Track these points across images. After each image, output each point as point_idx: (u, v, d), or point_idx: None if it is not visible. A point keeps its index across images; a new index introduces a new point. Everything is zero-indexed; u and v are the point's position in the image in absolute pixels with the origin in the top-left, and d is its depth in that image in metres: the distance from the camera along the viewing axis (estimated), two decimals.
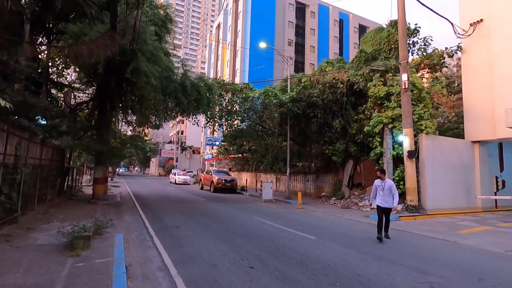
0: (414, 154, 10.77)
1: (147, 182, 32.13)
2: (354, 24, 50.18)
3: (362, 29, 50.22)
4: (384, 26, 16.46)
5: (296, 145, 18.23)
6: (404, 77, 11.05)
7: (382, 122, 11.97)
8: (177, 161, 53.48)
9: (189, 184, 29.85)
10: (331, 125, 15.03)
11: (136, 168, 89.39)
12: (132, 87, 10.01)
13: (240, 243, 6.00)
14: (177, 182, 29.66)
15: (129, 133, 21.02)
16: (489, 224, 9.27)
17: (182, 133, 67.78)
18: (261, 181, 17.79)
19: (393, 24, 15.38)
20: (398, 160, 11.75)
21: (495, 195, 12.68)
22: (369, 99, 13.18)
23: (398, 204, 6.96)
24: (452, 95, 16.09)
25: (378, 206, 6.73)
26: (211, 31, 63.63)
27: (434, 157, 11.10)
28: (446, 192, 11.29)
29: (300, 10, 45.28)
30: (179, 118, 25.63)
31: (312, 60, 43.07)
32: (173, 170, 35.72)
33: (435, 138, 11.48)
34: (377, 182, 6.86)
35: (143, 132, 17.63)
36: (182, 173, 32.06)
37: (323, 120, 15.28)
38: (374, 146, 12.47)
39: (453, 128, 15.22)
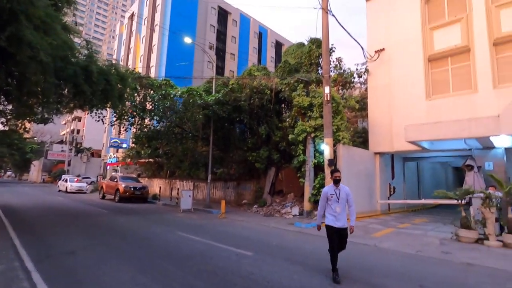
0: (334, 162, 11.46)
1: (25, 191, 25.53)
2: (271, 39, 53.29)
3: (278, 45, 53.81)
4: (305, 42, 17.56)
5: (218, 150, 17.43)
6: (327, 89, 11.71)
7: (306, 131, 12.40)
8: (69, 165, 44.94)
9: (85, 192, 25.12)
10: (256, 131, 14.87)
11: (8, 173, 71.52)
12: (8, 62, 7.33)
13: (167, 269, 4.75)
14: (69, 190, 24.61)
15: None
16: (391, 226, 10.49)
17: (78, 132, 57.90)
18: (178, 189, 16.17)
19: (314, 41, 16.54)
20: (318, 168, 12.33)
21: (388, 199, 14.77)
22: (294, 108, 13.58)
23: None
24: (364, 111, 18.49)
25: (328, 226, 4.48)
26: (121, 20, 57.03)
27: (348, 165, 12.07)
28: (356, 198, 12.34)
29: (222, 16, 45.25)
30: (76, 113, 21.32)
31: (232, 67, 43.39)
32: (63, 176, 29.59)
33: (349, 148, 12.56)
34: (327, 190, 4.57)
35: (22, 127, 13.52)
36: (76, 180, 26.84)
37: (248, 126, 14.99)
38: (297, 154, 12.80)
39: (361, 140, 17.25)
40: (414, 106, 12.73)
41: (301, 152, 12.64)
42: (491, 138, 9.54)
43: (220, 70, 41.39)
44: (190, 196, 14.03)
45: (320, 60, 16.17)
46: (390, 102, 13.66)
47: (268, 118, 14.63)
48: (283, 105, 15.93)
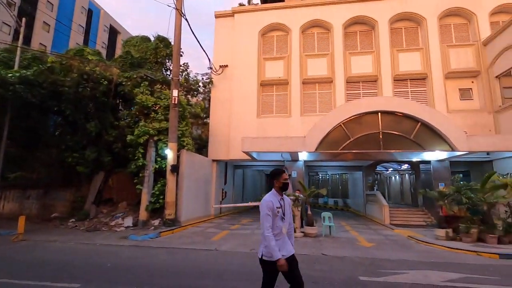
0: (177, 168, 11.15)
1: None
2: (104, 22, 46.03)
3: (113, 32, 47.24)
4: (152, 37, 16.38)
5: (18, 146, 12.71)
6: (175, 92, 11.36)
7: (148, 133, 11.38)
8: None
9: None
10: (82, 128, 12.08)
11: None
12: None
13: None
14: None
15: None
16: (226, 228, 11.40)
17: None
18: None
19: (162, 39, 15.73)
20: (159, 174, 11.58)
21: (221, 203, 16.07)
22: (135, 106, 12.19)
23: None
24: (199, 119, 19.11)
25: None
26: None
27: (190, 172, 12.12)
28: (194, 204, 12.65)
29: None
30: None
31: (45, 41, 33.75)
32: None
33: (192, 154, 12.65)
34: (272, 200, 2.87)
35: None
36: None
37: (71, 119, 11.93)
38: (135, 158, 11.47)
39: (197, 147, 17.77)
40: (248, 121, 14.68)
41: (140, 155, 11.44)
42: (299, 153, 12.49)
43: (25, 40, 30.97)
44: None
45: (167, 61, 15.59)
46: (229, 115, 15.07)
47: (101, 113, 12.28)
48: (121, 101, 13.95)
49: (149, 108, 11.96)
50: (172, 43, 16.41)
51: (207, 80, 17.29)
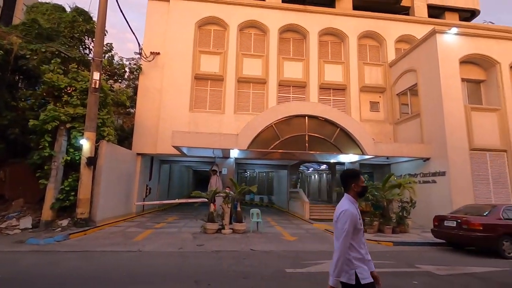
0: (94, 161, 9.87)
1: None
2: None
3: None
4: (68, 8, 14.09)
5: None
6: (96, 75, 10.03)
7: (59, 118, 9.72)
8: None
9: None
10: None
11: None
12: None
13: None
14: None
15: None
16: (149, 227, 10.64)
17: None
18: None
19: (81, 12, 13.69)
20: (70, 167, 10.03)
21: (144, 200, 14.93)
22: (43, 86, 10.27)
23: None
24: (122, 107, 17.22)
25: (369, 284, 2.17)
26: None
27: (110, 166, 10.88)
28: (114, 201, 11.43)
29: None
30: None
31: None
32: None
33: (114, 146, 11.37)
34: (352, 209, 2.31)
35: None
36: None
37: None
38: (40, 147, 9.66)
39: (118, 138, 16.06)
40: (180, 115, 14.01)
41: (47, 144, 9.67)
42: (230, 150, 12.54)
43: None
44: None
45: (87, 38, 13.64)
46: (159, 106, 14.10)
47: None
48: (21, 78, 11.56)
49: (61, 90, 10.23)
50: (94, 19, 14.49)
51: (135, 66, 15.82)
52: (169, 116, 13.90)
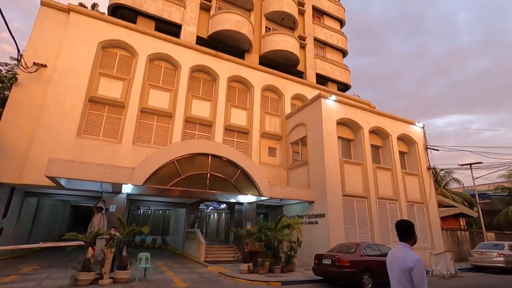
0: None
1: None
2: None
3: None
4: None
5: None
6: None
7: None
8: None
9: None
10: None
11: None
12: None
13: None
14: None
15: None
16: None
17: None
18: None
19: None
20: None
21: None
22: None
23: None
24: None
25: None
26: None
27: None
28: None
29: None
30: None
31: None
32: None
33: None
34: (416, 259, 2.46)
35: None
36: None
37: None
38: None
39: None
40: (63, 139, 11.95)
41: None
42: (123, 185, 11.24)
43: None
44: None
45: None
46: (35, 127, 11.70)
47: None
48: None
49: None
50: None
51: (8, 74, 13.00)
52: (49, 140, 11.65)
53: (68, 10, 13.75)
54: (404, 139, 18.07)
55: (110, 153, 12.69)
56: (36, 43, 12.74)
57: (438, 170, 27.00)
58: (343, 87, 23.74)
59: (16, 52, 11.19)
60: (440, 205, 19.08)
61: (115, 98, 13.62)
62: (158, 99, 14.66)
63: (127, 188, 11.98)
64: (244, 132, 16.87)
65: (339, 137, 15.39)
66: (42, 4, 13.44)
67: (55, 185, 10.90)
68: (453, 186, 29.90)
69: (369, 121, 16.56)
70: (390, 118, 17.60)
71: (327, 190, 13.50)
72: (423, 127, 18.89)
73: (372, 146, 16.49)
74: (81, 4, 16.23)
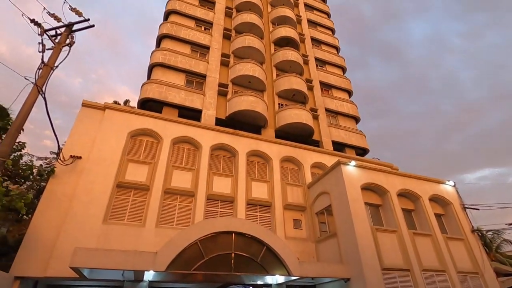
0: None
1: None
2: None
3: None
4: None
5: None
6: None
7: None
8: None
9: None
10: None
11: None
12: None
13: None
14: None
15: None
16: None
17: None
18: None
19: None
20: None
21: None
22: None
23: None
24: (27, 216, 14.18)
25: None
26: None
27: None
28: None
29: None
30: None
31: None
32: None
33: None
34: None
35: None
36: None
37: None
38: None
39: None
40: (90, 227, 12.16)
41: None
42: (145, 272, 10.78)
43: None
44: None
45: None
46: (65, 216, 12.12)
47: None
48: None
49: None
50: (12, 116, 13.51)
51: (47, 167, 14.18)
52: (75, 228, 11.87)
53: (104, 108, 15.67)
54: (437, 200, 16.96)
55: (133, 238, 12.60)
56: (74, 138, 14.21)
57: (484, 232, 24.26)
58: (361, 151, 23.77)
59: (57, 147, 12.46)
60: (499, 273, 16.52)
61: (141, 182, 14.22)
62: (181, 179, 15.14)
63: (149, 275, 11.45)
64: (266, 206, 16.55)
65: (366, 203, 14.69)
66: (83, 105, 15.47)
67: (77, 276, 10.62)
68: (507, 249, 26.30)
69: (395, 183, 15.96)
70: (416, 179, 16.92)
71: (363, 264, 12.24)
72: (454, 185, 17.85)
73: (404, 210, 15.49)
74: (115, 102, 18.56)
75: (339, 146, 22.74)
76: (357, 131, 24.50)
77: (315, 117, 22.85)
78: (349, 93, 27.70)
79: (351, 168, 15.30)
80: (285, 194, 17.03)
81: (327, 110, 24.41)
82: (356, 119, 25.71)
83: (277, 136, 20.25)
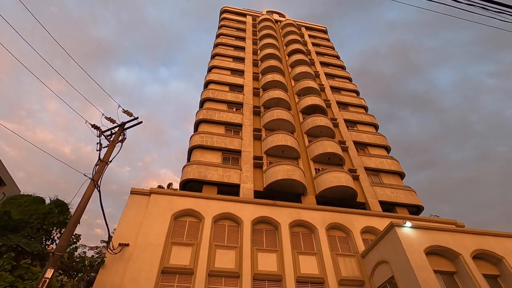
0: None
1: None
2: None
3: None
4: (48, 199, 14.59)
5: None
6: (49, 273, 8.99)
7: None
8: None
9: None
10: None
11: None
12: None
13: None
14: None
15: None
16: None
17: None
18: None
19: (59, 204, 14.12)
20: None
21: None
22: None
23: None
24: None
25: None
26: None
27: None
28: None
29: None
30: None
31: None
32: None
33: None
34: None
35: None
36: None
37: None
38: None
39: None
40: None
41: None
42: None
43: None
44: None
45: (56, 229, 13.26)
46: None
47: None
48: None
49: None
50: (71, 210, 14.77)
51: (97, 258, 14.61)
52: None
53: (150, 193, 16.65)
54: None
55: None
56: (122, 226, 14.87)
57: None
58: (415, 209, 21.54)
59: (107, 236, 13.02)
60: None
61: (185, 266, 13.86)
62: (225, 259, 14.53)
63: None
64: (319, 282, 14.82)
65: (435, 271, 12.55)
66: (132, 192, 16.62)
67: None
68: None
69: (466, 244, 13.74)
70: (493, 236, 14.47)
71: None
72: None
73: (486, 276, 12.88)
74: (159, 186, 19.74)
75: (388, 206, 20.93)
76: (404, 187, 22.71)
77: (355, 178, 21.91)
78: (387, 149, 26.80)
79: (408, 230, 13.68)
80: (337, 267, 15.30)
81: (366, 169, 23.46)
82: (401, 175, 24.13)
83: (318, 203, 19.40)
